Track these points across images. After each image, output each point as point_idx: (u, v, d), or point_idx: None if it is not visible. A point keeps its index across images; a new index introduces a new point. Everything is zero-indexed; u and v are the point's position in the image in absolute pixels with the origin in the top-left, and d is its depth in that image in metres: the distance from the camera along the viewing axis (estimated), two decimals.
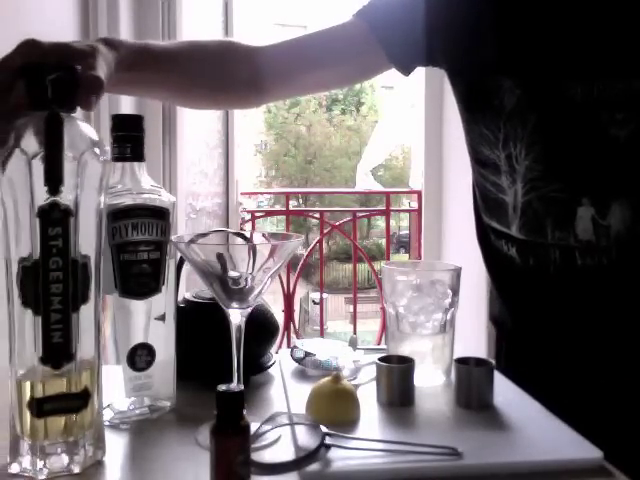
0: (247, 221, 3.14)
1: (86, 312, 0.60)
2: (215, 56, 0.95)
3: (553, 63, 0.80)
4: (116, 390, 0.71)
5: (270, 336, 0.87)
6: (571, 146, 0.80)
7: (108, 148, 0.63)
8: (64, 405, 0.59)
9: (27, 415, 0.59)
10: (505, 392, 0.77)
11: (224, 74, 0.96)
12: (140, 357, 0.72)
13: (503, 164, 0.85)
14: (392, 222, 5.07)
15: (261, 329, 0.84)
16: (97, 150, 0.60)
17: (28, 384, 0.59)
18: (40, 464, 0.59)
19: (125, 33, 1.82)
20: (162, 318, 0.74)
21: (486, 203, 0.92)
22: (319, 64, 0.98)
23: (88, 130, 0.61)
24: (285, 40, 0.97)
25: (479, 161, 0.90)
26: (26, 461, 0.59)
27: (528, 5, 0.83)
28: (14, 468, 0.60)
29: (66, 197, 0.57)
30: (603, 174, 0.79)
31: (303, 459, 0.59)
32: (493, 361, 0.77)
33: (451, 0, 0.91)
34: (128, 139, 0.73)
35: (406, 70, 0.98)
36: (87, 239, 0.60)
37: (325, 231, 3.26)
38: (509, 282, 0.93)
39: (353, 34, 0.96)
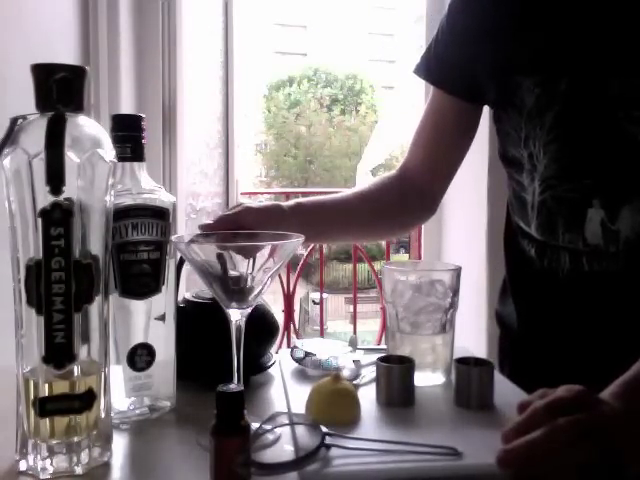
0: None
1: (92, 312, 0.60)
2: (390, 206, 1.03)
3: (569, 61, 0.81)
4: (116, 390, 0.71)
5: (270, 336, 0.87)
6: (586, 144, 0.81)
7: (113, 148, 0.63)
8: (66, 406, 0.59)
9: (32, 414, 0.59)
10: (505, 392, 0.77)
11: (401, 215, 1.06)
12: (140, 357, 0.72)
13: (526, 162, 0.86)
14: None
15: (261, 329, 0.84)
16: (103, 150, 0.60)
17: (32, 383, 0.59)
18: (43, 463, 0.59)
19: (125, 33, 1.82)
20: (162, 318, 0.74)
21: (514, 202, 0.93)
22: (446, 139, 1.03)
23: (95, 130, 0.61)
24: (411, 148, 1.05)
25: (506, 160, 0.92)
26: (32, 459, 0.59)
27: (545, 5, 0.84)
28: (22, 465, 0.60)
29: (73, 197, 0.57)
30: (616, 174, 0.79)
31: (303, 459, 0.59)
32: (493, 361, 0.77)
33: (470, 6, 0.93)
34: (128, 139, 0.73)
35: (478, 97, 0.96)
36: (94, 239, 0.60)
37: None
38: (526, 283, 0.94)
39: (433, 108, 1.02)
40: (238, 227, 0.83)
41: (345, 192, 1.03)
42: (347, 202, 1.01)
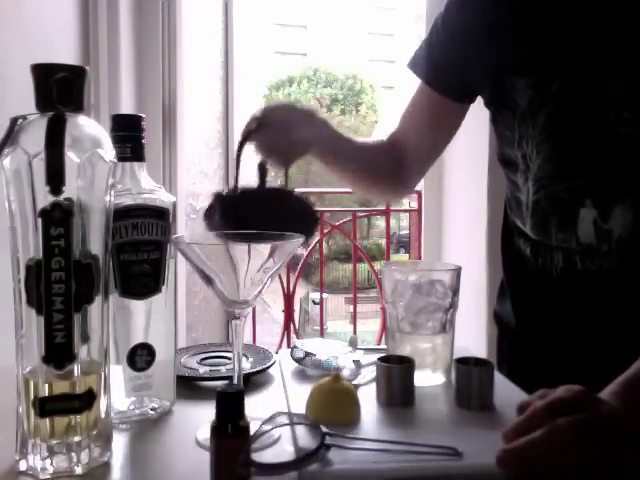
0: None
1: (92, 312, 0.60)
2: (384, 163, 1.07)
3: (564, 62, 0.81)
4: (116, 390, 0.71)
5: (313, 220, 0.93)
6: (578, 145, 0.81)
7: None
8: (66, 405, 0.59)
9: (32, 414, 0.59)
10: (505, 392, 0.77)
11: (391, 176, 1.09)
12: (140, 357, 0.72)
13: (520, 163, 0.87)
14: (392, 222, 5.06)
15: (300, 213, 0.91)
16: (103, 150, 0.60)
17: (32, 383, 0.59)
18: (43, 463, 0.59)
19: (125, 33, 1.82)
20: None
21: (511, 202, 0.94)
22: (423, 131, 1.05)
23: (95, 130, 0.61)
24: (399, 123, 1.08)
25: (503, 161, 0.92)
26: (32, 459, 0.59)
27: (542, 8, 0.84)
28: (22, 465, 0.60)
29: (73, 197, 0.57)
30: (608, 175, 0.80)
31: (303, 459, 0.59)
32: (493, 361, 0.77)
33: (470, 2, 0.93)
34: (128, 139, 0.73)
35: (470, 98, 0.99)
36: (94, 239, 0.60)
37: (325, 231, 3.26)
38: (522, 283, 0.94)
39: (424, 97, 1.02)
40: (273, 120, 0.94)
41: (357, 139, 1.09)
42: (361, 145, 1.08)
